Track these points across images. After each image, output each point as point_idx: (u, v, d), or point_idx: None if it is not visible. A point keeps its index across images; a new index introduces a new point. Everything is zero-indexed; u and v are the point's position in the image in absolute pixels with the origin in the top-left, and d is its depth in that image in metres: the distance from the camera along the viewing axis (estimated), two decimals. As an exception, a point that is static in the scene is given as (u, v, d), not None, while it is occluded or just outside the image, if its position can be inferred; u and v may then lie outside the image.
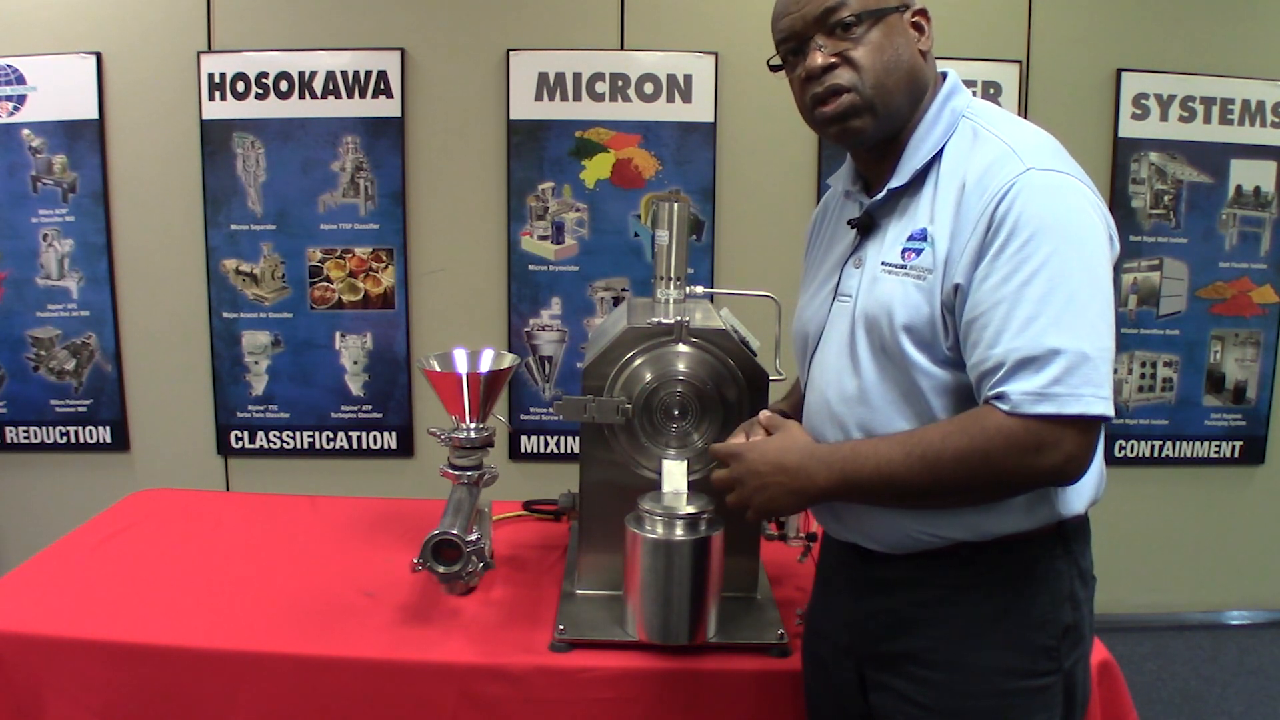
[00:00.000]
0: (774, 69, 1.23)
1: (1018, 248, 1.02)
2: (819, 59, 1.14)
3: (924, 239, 1.12)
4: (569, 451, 3.14)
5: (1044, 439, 1.01)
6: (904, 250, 1.14)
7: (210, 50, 2.96)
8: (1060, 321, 1.00)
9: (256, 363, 3.10)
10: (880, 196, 1.19)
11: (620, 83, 3.00)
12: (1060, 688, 1.14)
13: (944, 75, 1.20)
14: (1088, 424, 1.01)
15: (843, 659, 1.26)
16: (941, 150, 1.15)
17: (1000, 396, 1.02)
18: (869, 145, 1.20)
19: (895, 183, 1.17)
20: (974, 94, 1.21)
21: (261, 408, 3.12)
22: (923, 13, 1.17)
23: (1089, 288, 1.02)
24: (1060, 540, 1.14)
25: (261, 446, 3.15)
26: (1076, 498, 1.14)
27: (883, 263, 1.16)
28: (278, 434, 3.14)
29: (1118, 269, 3.01)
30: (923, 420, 1.13)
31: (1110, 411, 1.01)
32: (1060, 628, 1.13)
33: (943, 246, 1.09)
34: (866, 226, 1.21)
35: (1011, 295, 1.02)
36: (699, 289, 1.66)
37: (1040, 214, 1.03)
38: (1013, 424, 1.01)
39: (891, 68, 1.14)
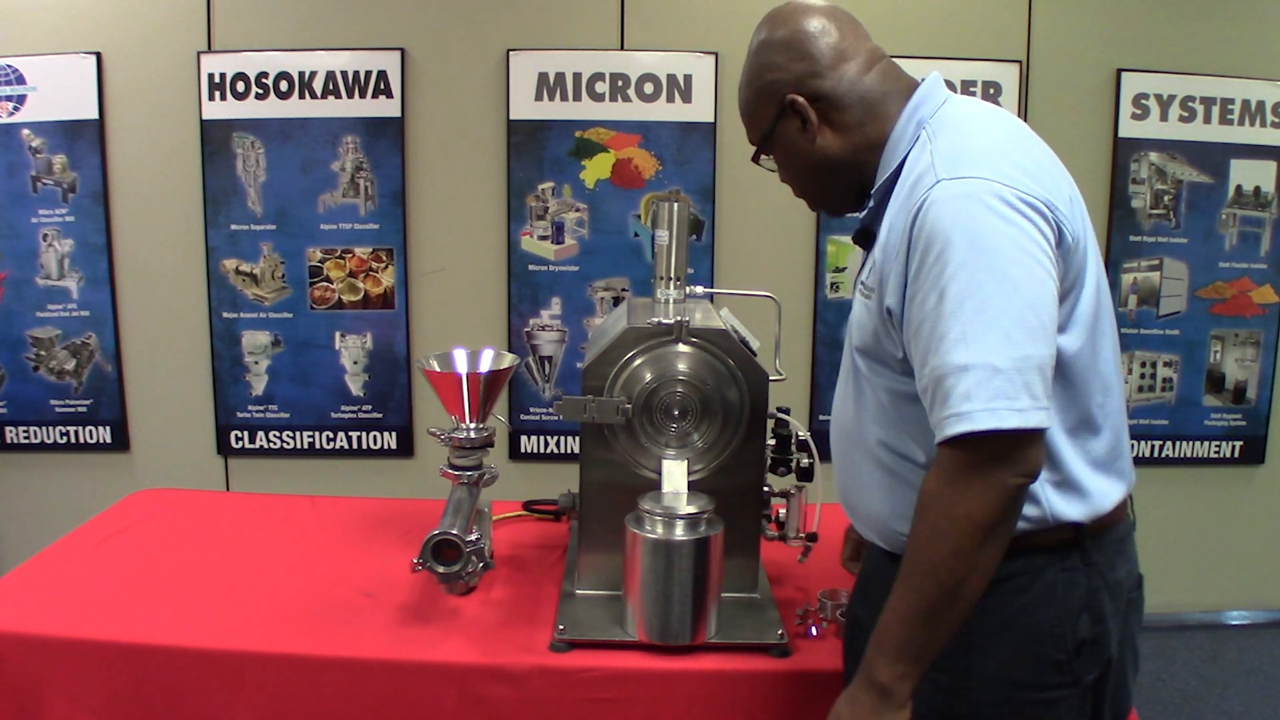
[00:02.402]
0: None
1: (930, 264, 1.02)
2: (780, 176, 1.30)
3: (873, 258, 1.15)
4: (569, 451, 3.14)
5: (974, 459, 0.99)
6: (869, 269, 1.17)
7: (210, 50, 2.96)
8: (967, 336, 0.98)
9: (256, 363, 3.10)
10: (864, 214, 1.21)
11: (620, 83, 3.00)
12: (1077, 702, 1.12)
13: (922, 81, 1.19)
14: (1012, 437, 0.98)
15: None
16: (903, 163, 1.15)
17: (935, 425, 1.02)
18: (850, 209, 1.28)
19: (869, 203, 1.21)
20: (973, 94, 1.21)
21: (261, 408, 3.12)
22: (793, 103, 1.19)
23: (1000, 296, 0.98)
24: (1077, 550, 1.11)
25: (261, 446, 3.15)
26: (1064, 505, 1.10)
27: (861, 282, 1.19)
28: (278, 434, 3.14)
29: (1115, 266, 3.05)
30: (895, 431, 1.15)
31: (1029, 423, 0.98)
32: (1074, 641, 1.10)
33: (880, 264, 1.11)
34: (865, 241, 1.21)
35: (930, 314, 1.02)
36: (699, 289, 1.66)
37: (945, 226, 1.01)
38: (942, 459, 1.01)
39: (800, 175, 1.25)
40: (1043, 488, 1.09)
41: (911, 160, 1.13)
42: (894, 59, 1.23)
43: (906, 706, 1.06)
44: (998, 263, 0.99)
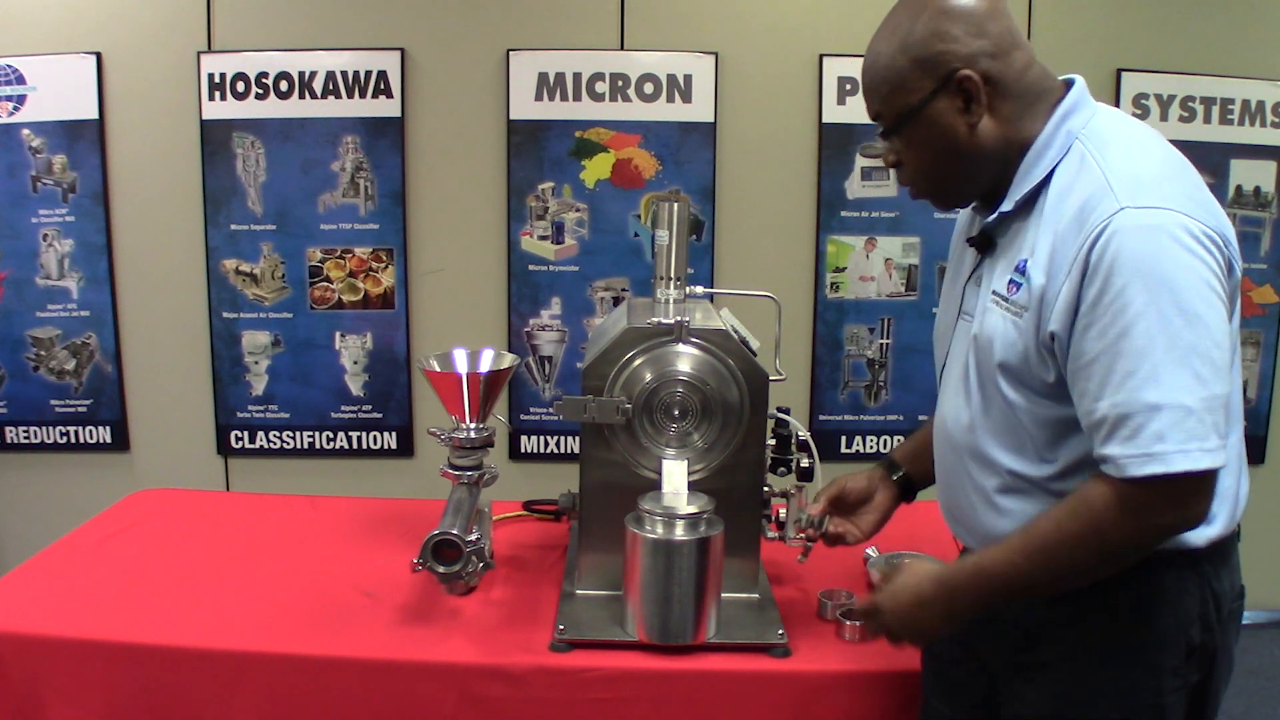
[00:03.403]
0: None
1: (1114, 296, 0.99)
2: (886, 159, 1.21)
3: (1024, 272, 1.10)
4: (569, 451, 3.14)
5: (1153, 499, 1.00)
6: (1010, 281, 1.12)
7: (210, 50, 2.96)
8: (1158, 375, 0.98)
9: (256, 363, 3.10)
10: (992, 219, 1.17)
11: (620, 83, 2.99)
12: (1184, 701, 1.14)
13: (1070, 84, 1.15)
14: (1200, 478, 0.99)
15: (967, 659, 1.27)
16: (1052, 173, 1.11)
17: (1107, 459, 1.01)
18: (966, 205, 1.25)
19: (1004, 207, 1.15)
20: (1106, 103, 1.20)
21: (261, 408, 3.12)
22: (964, 80, 1.10)
23: (1191, 333, 0.98)
24: (1190, 564, 1.13)
25: (261, 446, 3.15)
26: (1193, 534, 1.10)
27: (993, 291, 1.15)
28: (278, 434, 3.14)
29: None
30: (1023, 451, 1.14)
31: (1219, 462, 1.00)
32: (1186, 647, 1.13)
33: (1038, 284, 1.07)
34: (983, 245, 1.20)
35: (1110, 347, 1.00)
36: (699, 289, 1.66)
37: (1134, 259, 0.99)
38: (1120, 490, 1.00)
39: (938, 160, 1.16)
40: None
41: (1067, 174, 1.09)
42: None
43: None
44: (1187, 300, 0.99)
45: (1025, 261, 1.10)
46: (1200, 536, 1.11)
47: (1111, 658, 1.13)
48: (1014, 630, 1.19)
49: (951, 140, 1.13)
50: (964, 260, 1.27)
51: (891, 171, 1.27)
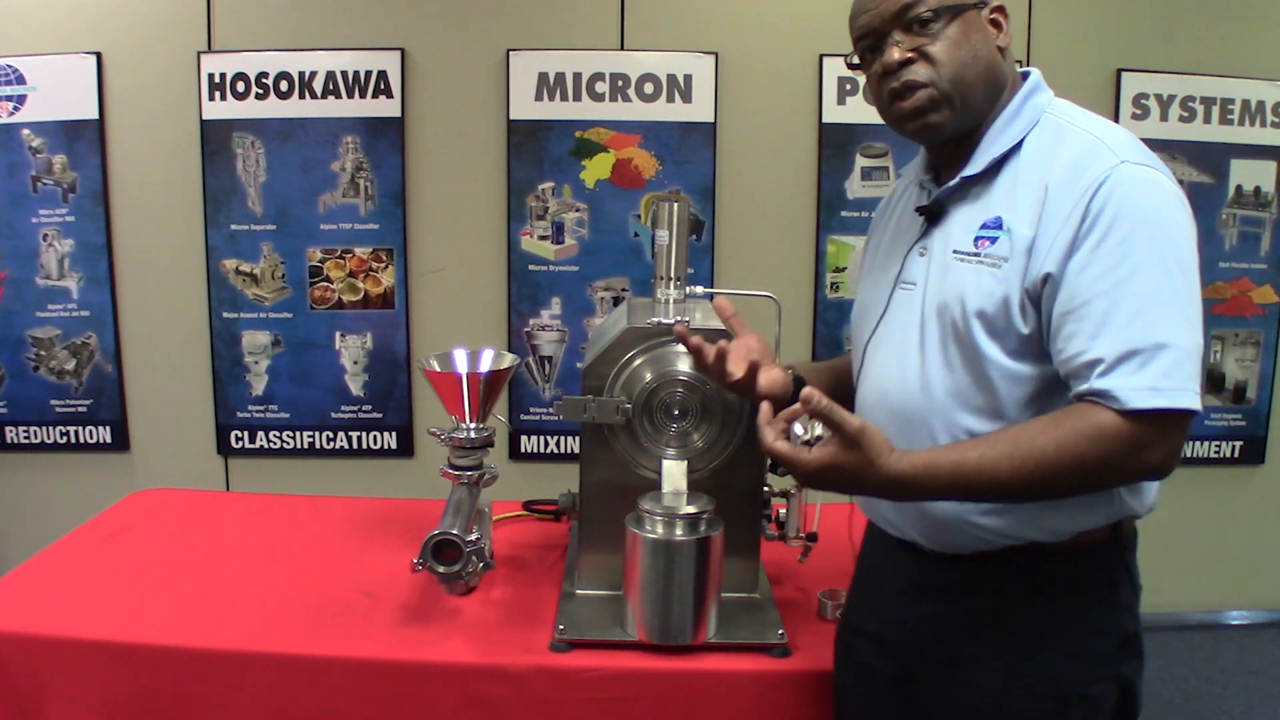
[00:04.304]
0: (852, 67, 1.23)
1: (1119, 241, 1.03)
2: (896, 54, 1.14)
3: (999, 227, 1.11)
4: (569, 451, 3.13)
5: (1153, 435, 1.02)
6: (977, 238, 1.13)
7: (210, 50, 2.96)
8: (1166, 316, 1.02)
9: (256, 363, 3.10)
10: (953, 183, 1.18)
11: (620, 83, 2.99)
12: (1114, 691, 1.15)
13: (1027, 74, 1.20)
14: (1188, 419, 1.03)
15: (887, 658, 1.26)
16: (1021, 143, 1.14)
17: (1104, 393, 1.01)
18: (946, 140, 1.20)
19: (970, 170, 1.16)
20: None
21: (261, 408, 3.12)
22: (1000, 9, 1.17)
23: (1187, 285, 1.03)
24: (1116, 548, 1.15)
25: (261, 446, 3.15)
26: (1147, 493, 1.15)
27: (954, 250, 1.15)
28: (278, 434, 3.14)
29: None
30: (985, 415, 1.12)
31: (1200, 407, 1.03)
32: (1120, 636, 1.15)
33: (1024, 234, 1.08)
34: (935, 214, 1.20)
35: (1114, 288, 1.02)
36: (699, 289, 1.66)
37: (1140, 208, 1.03)
38: (1125, 422, 1.01)
39: (969, 62, 1.14)
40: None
41: (1042, 140, 1.13)
42: None
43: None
44: (1183, 255, 1.04)
45: (999, 218, 1.12)
46: (1144, 505, 1.15)
47: (1047, 651, 1.14)
48: (939, 623, 1.19)
49: (984, 49, 1.15)
50: (901, 234, 1.28)
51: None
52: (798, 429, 1.10)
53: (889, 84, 1.16)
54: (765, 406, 1.13)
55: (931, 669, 1.21)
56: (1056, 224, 1.06)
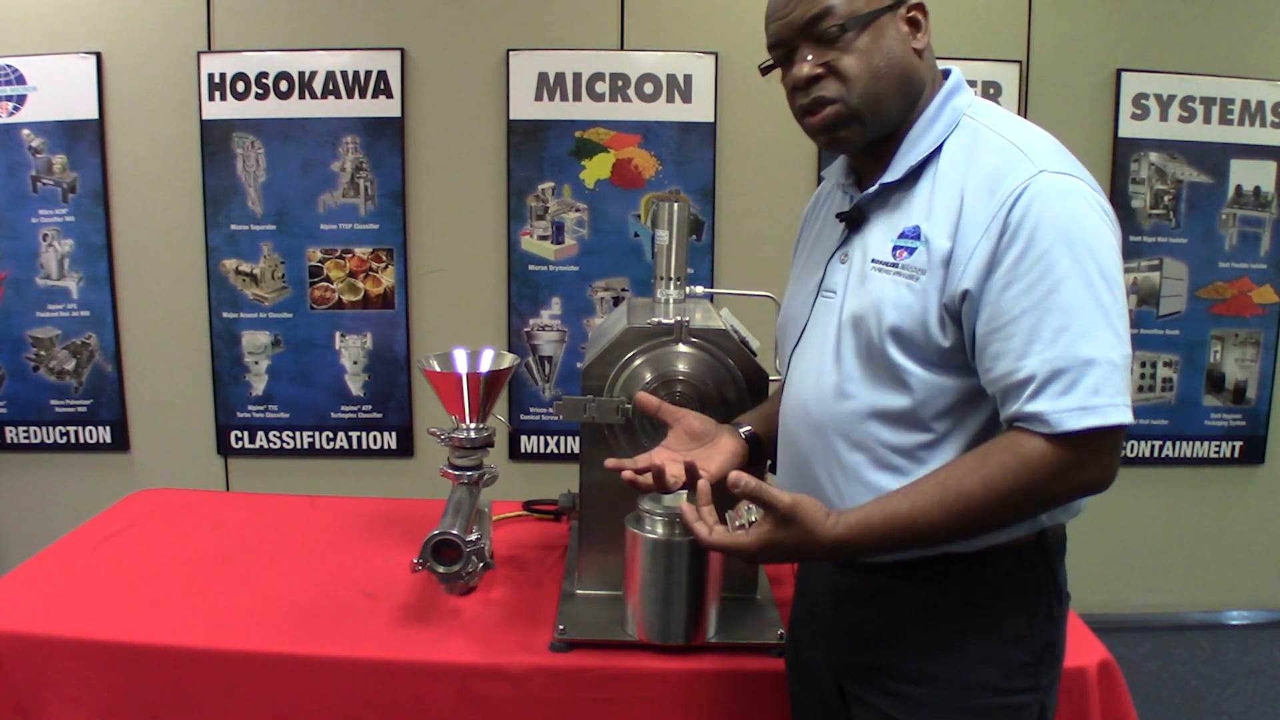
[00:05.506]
0: (764, 71, 1.20)
1: (1039, 255, 1.00)
2: (805, 69, 1.11)
3: (916, 237, 1.08)
4: (569, 451, 3.14)
5: (1085, 454, 1.00)
6: (895, 248, 1.10)
7: (210, 50, 2.96)
8: (1092, 330, 0.99)
9: (256, 363, 3.10)
10: (872, 190, 1.15)
11: (620, 83, 3.00)
12: (1036, 708, 1.13)
13: (947, 73, 1.16)
14: (1121, 433, 1.01)
15: (822, 668, 1.26)
16: (940, 147, 1.11)
17: (1034, 416, 1.00)
18: (860, 150, 1.17)
19: (889, 177, 1.13)
20: (975, 93, 1.18)
21: (261, 408, 3.12)
22: (919, 7, 1.12)
23: (1110, 295, 1.01)
24: (1040, 555, 1.13)
25: (261, 446, 3.15)
26: (1065, 509, 1.12)
27: (872, 260, 1.12)
28: (278, 434, 3.14)
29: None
30: (904, 427, 1.10)
31: (1130, 419, 1.01)
32: (1040, 644, 1.12)
33: (941, 246, 1.05)
34: (855, 221, 1.17)
35: (1037, 305, 1.00)
36: (699, 289, 1.66)
37: (1059, 219, 1.01)
38: (1053, 447, 0.99)
39: (881, 74, 1.10)
40: None
41: (961, 144, 1.10)
42: None
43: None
44: (1105, 265, 1.02)
45: (916, 228, 1.09)
46: (1068, 512, 1.13)
47: (961, 657, 1.12)
48: (858, 630, 1.18)
49: (898, 55, 1.11)
50: (822, 240, 1.25)
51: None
52: (731, 515, 1.11)
53: (799, 99, 1.14)
54: (686, 507, 1.14)
55: (856, 676, 1.20)
56: (974, 236, 1.03)
